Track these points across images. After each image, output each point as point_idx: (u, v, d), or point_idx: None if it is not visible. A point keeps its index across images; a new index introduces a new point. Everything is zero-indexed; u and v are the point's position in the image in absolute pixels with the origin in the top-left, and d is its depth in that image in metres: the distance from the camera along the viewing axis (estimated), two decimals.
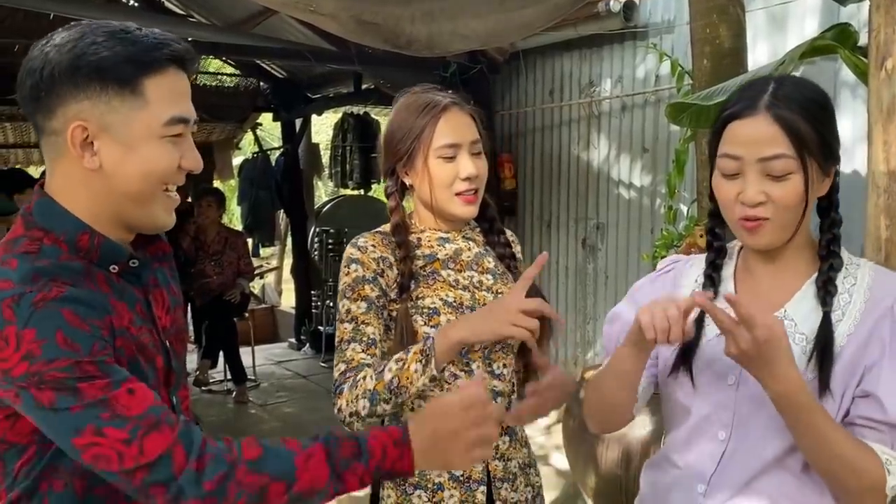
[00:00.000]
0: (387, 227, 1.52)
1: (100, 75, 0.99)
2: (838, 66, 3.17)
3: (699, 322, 1.24)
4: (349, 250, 1.47)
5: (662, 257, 2.76)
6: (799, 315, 1.18)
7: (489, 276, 1.52)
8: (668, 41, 3.96)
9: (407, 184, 1.51)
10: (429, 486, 1.44)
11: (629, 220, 4.36)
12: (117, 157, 1.02)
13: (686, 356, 1.24)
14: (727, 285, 1.25)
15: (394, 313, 1.44)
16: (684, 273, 1.33)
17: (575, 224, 4.71)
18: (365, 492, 1.33)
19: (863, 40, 1.71)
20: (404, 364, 1.33)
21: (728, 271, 1.27)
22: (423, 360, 1.32)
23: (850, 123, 3.18)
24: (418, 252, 1.49)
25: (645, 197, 4.25)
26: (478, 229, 1.61)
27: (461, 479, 1.45)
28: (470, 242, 1.55)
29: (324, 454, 0.99)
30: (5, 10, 3.96)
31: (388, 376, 1.33)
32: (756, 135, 1.12)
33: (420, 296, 1.45)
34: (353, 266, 1.44)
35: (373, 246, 1.46)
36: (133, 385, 0.96)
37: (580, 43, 4.47)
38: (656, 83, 4.10)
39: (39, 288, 0.95)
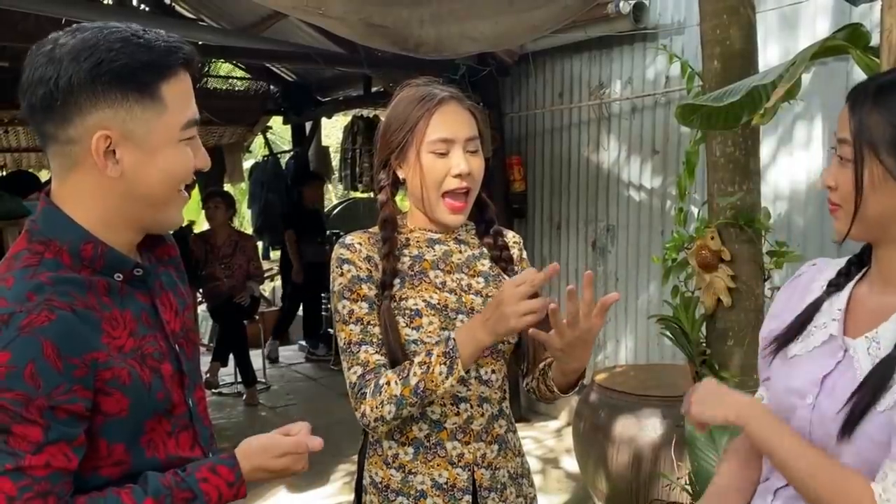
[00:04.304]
0: (375, 228, 1.49)
1: (120, 83, 0.98)
2: (850, 66, 3.15)
3: (797, 330, 1.20)
4: (338, 250, 1.44)
5: (673, 259, 2.75)
6: (886, 338, 1.08)
7: (480, 280, 1.49)
8: (679, 42, 3.95)
9: (400, 177, 1.47)
10: (412, 493, 1.42)
11: (639, 222, 4.34)
12: (139, 163, 1.01)
13: (782, 347, 1.22)
14: (843, 294, 1.19)
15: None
16: (817, 276, 1.26)
17: (585, 226, 4.70)
18: (348, 498, 1.37)
19: (875, 40, 1.70)
20: (429, 367, 1.30)
21: (851, 283, 1.20)
22: (448, 363, 1.29)
23: None
24: (405, 252, 1.47)
25: (655, 199, 4.24)
26: (473, 231, 1.57)
27: (445, 486, 1.42)
28: (462, 245, 1.52)
29: None
30: (18, 14, 3.99)
31: (413, 381, 1.30)
32: (840, 117, 1.10)
33: (403, 296, 1.42)
34: (346, 266, 1.42)
35: (359, 244, 1.44)
36: (51, 455, 0.95)
37: (590, 44, 4.46)
38: (666, 85, 4.08)
39: (30, 309, 0.94)
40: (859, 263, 1.20)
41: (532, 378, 1.54)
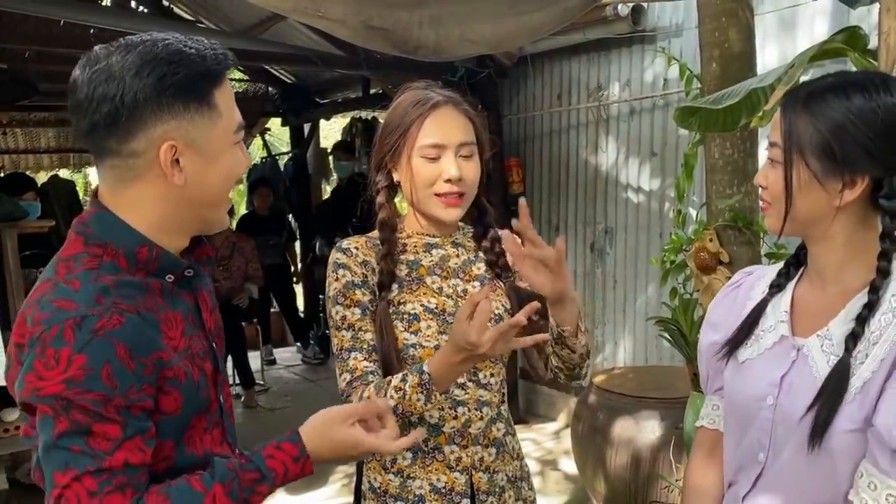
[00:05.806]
0: (375, 232, 1.48)
1: (182, 94, 1.01)
2: (848, 69, 3.16)
3: (745, 332, 1.22)
4: (335, 255, 1.44)
5: (672, 261, 2.75)
6: (837, 335, 1.11)
7: (476, 284, 1.48)
8: (677, 45, 3.96)
9: (395, 179, 1.47)
10: (410, 497, 1.42)
11: (638, 224, 4.35)
12: (201, 169, 1.05)
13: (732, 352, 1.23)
14: (786, 295, 1.21)
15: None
16: (756, 284, 1.28)
17: (583, 228, 4.71)
18: (346, 500, 1.37)
19: (873, 43, 1.70)
20: (405, 395, 1.30)
21: (792, 283, 1.23)
22: (426, 393, 1.30)
23: None
24: (402, 257, 1.46)
25: (654, 201, 4.24)
26: (470, 234, 1.56)
27: (443, 490, 1.42)
28: (459, 248, 1.51)
29: (224, 493, 1.02)
30: (16, 16, 3.98)
31: (391, 403, 1.30)
32: (773, 121, 1.15)
33: (401, 301, 1.42)
34: (341, 271, 1.42)
35: (356, 248, 1.44)
36: (128, 451, 0.97)
37: (588, 47, 4.46)
38: (665, 87, 4.09)
39: (101, 312, 0.97)
40: (797, 263, 1.23)
41: (548, 358, 1.48)
